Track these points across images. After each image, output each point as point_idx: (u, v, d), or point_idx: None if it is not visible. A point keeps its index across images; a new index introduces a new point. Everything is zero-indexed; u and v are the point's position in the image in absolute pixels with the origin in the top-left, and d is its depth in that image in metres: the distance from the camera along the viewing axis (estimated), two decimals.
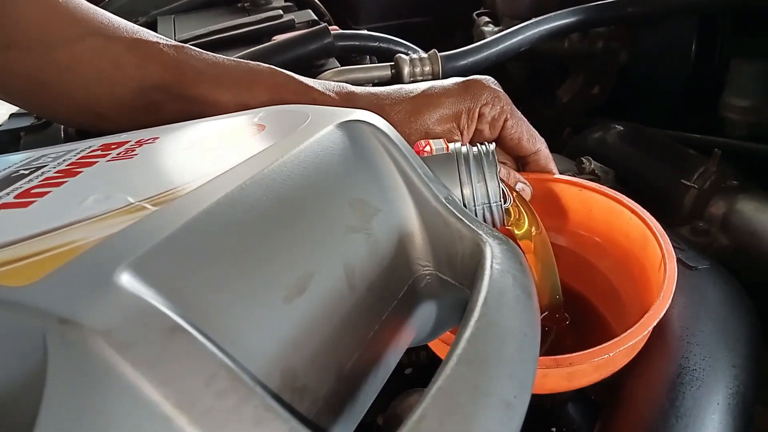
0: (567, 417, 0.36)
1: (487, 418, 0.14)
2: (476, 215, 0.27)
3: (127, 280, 0.13)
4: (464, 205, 0.27)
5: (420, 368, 0.41)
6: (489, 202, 0.27)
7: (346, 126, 0.22)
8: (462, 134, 0.39)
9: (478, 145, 0.28)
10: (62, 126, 0.57)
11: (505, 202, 0.28)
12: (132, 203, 0.18)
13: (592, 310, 0.39)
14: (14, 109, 0.64)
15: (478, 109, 0.38)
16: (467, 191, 0.27)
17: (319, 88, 0.39)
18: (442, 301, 0.23)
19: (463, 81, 0.39)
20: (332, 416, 0.17)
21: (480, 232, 0.20)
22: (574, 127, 0.72)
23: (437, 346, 0.33)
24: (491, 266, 0.18)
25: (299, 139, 0.21)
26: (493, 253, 0.19)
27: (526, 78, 0.85)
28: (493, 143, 0.28)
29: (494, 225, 0.28)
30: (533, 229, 0.34)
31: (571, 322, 0.38)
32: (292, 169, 0.19)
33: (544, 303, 0.37)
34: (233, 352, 0.14)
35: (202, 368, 0.12)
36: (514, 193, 0.34)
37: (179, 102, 0.38)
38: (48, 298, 0.13)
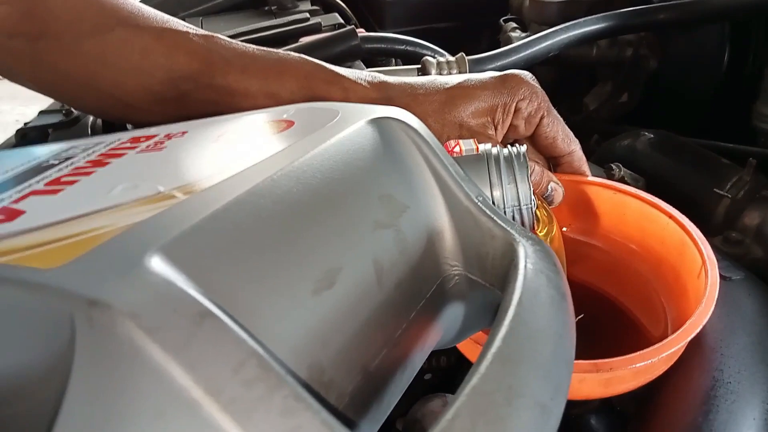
0: (592, 427, 0.35)
1: (521, 420, 0.13)
2: None
3: (157, 264, 0.13)
4: None
5: (440, 373, 0.40)
6: (519, 205, 0.26)
7: (377, 122, 0.22)
8: (496, 129, 0.38)
9: (509, 146, 0.27)
10: (89, 123, 0.57)
11: (534, 206, 0.28)
12: (161, 192, 0.18)
13: (623, 315, 0.38)
14: (43, 106, 0.65)
15: (514, 104, 0.37)
16: (497, 193, 0.26)
17: (350, 77, 0.39)
18: (470, 302, 0.22)
19: (501, 75, 0.38)
20: (357, 413, 0.17)
21: (513, 232, 0.20)
22: (602, 135, 0.71)
23: (466, 347, 0.32)
24: (525, 266, 0.18)
25: (329, 134, 0.21)
26: (527, 254, 0.18)
27: (553, 84, 0.84)
28: (525, 145, 0.28)
29: None
30: (552, 230, 0.33)
31: (598, 325, 0.37)
32: (322, 162, 0.19)
33: None
34: (262, 341, 0.14)
35: (232, 355, 0.12)
36: (538, 200, 0.33)
37: (208, 91, 0.38)
38: (77, 280, 0.13)
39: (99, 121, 0.57)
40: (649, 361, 0.27)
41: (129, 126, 0.52)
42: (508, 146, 0.27)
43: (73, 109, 0.58)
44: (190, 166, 0.21)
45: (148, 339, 0.11)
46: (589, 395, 0.30)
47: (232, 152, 0.22)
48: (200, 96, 0.38)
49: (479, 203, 0.21)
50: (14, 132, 0.59)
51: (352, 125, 0.21)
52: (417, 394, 0.37)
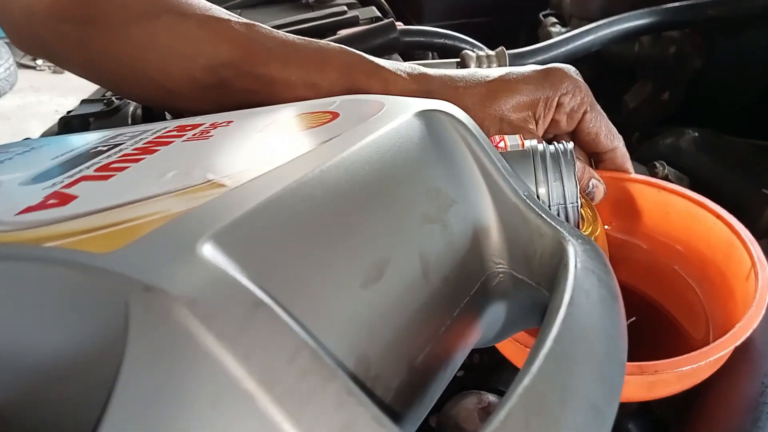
0: None
1: (575, 421, 0.13)
2: None
3: (210, 251, 0.13)
4: None
5: (472, 371, 0.40)
6: (565, 203, 0.26)
7: (425, 115, 0.22)
8: (537, 123, 0.37)
9: (555, 143, 0.27)
10: (130, 112, 0.58)
11: (579, 205, 0.27)
12: (212, 180, 0.18)
13: (668, 320, 0.37)
14: (85, 95, 0.67)
15: (557, 99, 0.36)
16: (542, 190, 0.26)
17: (391, 68, 0.38)
18: (513, 301, 0.22)
19: (543, 68, 0.37)
20: (401, 408, 0.17)
21: (562, 230, 0.19)
22: (642, 134, 0.69)
23: (505, 347, 0.32)
24: (575, 266, 0.17)
25: (377, 126, 0.21)
26: (577, 252, 0.18)
27: (592, 81, 0.82)
28: (571, 142, 0.27)
29: None
30: (597, 230, 0.32)
31: (644, 331, 0.36)
32: (371, 154, 0.19)
33: None
34: (314, 332, 0.14)
35: (286, 345, 0.12)
36: (582, 198, 0.32)
37: (249, 80, 0.38)
38: (132, 265, 0.13)
39: (139, 110, 0.58)
40: (696, 365, 0.26)
41: (168, 115, 0.53)
42: (554, 143, 0.27)
43: (114, 98, 0.60)
44: (237, 156, 0.21)
45: (202, 327, 0.11)
46: (631, 398, 0.30)
47: (279, 142, 0.22)
48: (241, 84, 0.38)
49: (527, 200, 0.20)
50: (57, 120, 0.60)
51: (400, 117, 0.21)
52: (450, 392, 0.37)
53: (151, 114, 0.56)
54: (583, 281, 0.17)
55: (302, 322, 0.13)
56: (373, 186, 0.18)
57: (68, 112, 0.60)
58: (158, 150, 0.24)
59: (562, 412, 0.13)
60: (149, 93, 0.42)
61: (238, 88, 0.39)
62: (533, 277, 0.20)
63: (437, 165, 0.20)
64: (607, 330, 0.15)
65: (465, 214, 0.20)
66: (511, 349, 0.31)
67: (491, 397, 0.36)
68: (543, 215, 0.20)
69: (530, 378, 0.13)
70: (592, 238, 0.32)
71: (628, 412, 0.35)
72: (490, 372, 0.39)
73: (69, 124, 0.58)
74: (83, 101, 0.63)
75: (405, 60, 0.59)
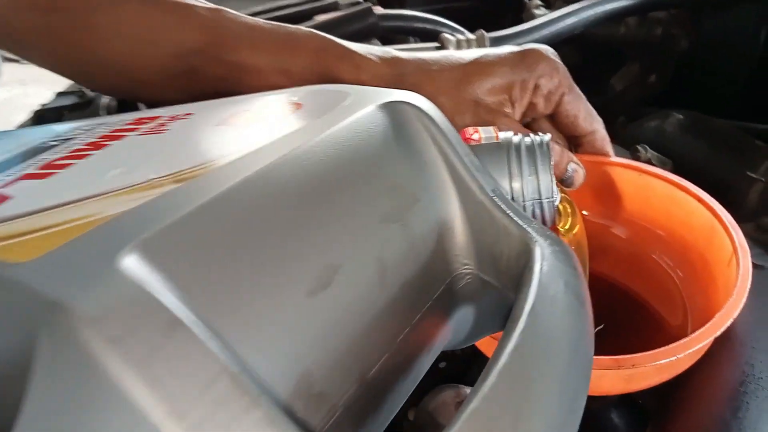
0: (612, 422, 0.34)
1: None
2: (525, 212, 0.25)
3: (130, 263, 0.12)
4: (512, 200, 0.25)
5: (456, 362, 0.39)
6: (540, 198, 0.25)
7: (389, 107, 0.21)
8: (514, 107, 0.36)
9: (532, 134, 0.26)
10: (104, 104, 0.57)
11: (557, 200, 0.26)
12: (153, 179, 0.17)
13: (644, 307, 0.36)
14: (60, 88, 0.65)
15: (533, 81, 0.35)
16: (517, 185, 0.24)
17: (362, 53, 0.37)
18: (482, 304, 0.21)
19: (519, 50, 0.36)
20: (351, 426, 0.16)
21: (529, 229, 0.18)
22: (628, 117, 0.67)
23: (483, 343, 0.31)
24: (541, 269, 0.16)
25: (336, 119, 0.19)
26: (544, 255, 0.17)
27: (577, 65, 0.81)
28: (549, 134, 0.26)
29: (543, 224, 0.26)
30: (575, 226, 0.31)
31: (618, 324, 0.35)
32: (326, 149, 0.18)
33: None
34: (243, 351, 0.12)
35: (202, 371, 0.11)
36: (560, 192, 0.31)
37: (218, 67, 0.37)
38: (43, 277, 0.12)
39: (114, 102, 0.57)
40: (675, 357, 0.25)
41: (142, 107, 0.51)
42: (531, 134, 0.26)
43: (88, 91, 0.58)
44: (188, 151, 0.20)
45: (108, 349, 0.10)
46: (609, 391, 0.29)
47: (235, 136, 0.21)
48: (210, 72, 0.37)
49: (495, 197, 0.19)
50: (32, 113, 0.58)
51: (362, 109, 0.20)
52: (430, 384, 0.36)
53: (126, 105, 0.55)
54: (548, 287, 0.15)
55: (230, 341, 0.12)
56: (328, 184, 0.17)
57: (43, 105, 0.59)
58: (108, 145, 0.22)
59: None
60: (118, 83, 0.41)
61: (208, 75, 0.37)
62: (500, 279, 0.19)
63: (400, 160, 0.19)
64: (572, 341, 0.14)
65: (429, 213, 0.19)
66: (486, 341, 0.31)
67: (469, 391, 0.35)
68: (510, 213, 0.19)
69: (480, 401, 0.12)
70: (571, 235, 0.31)
71: (611, 401, 0.34)
72: (471, 364, 0.39)
73: (43, 117, 0.57)
74: (59, 94, 0.62)
75: (383, 44, 0.57)
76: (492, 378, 0.13)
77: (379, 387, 0.17)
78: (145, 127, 0.24)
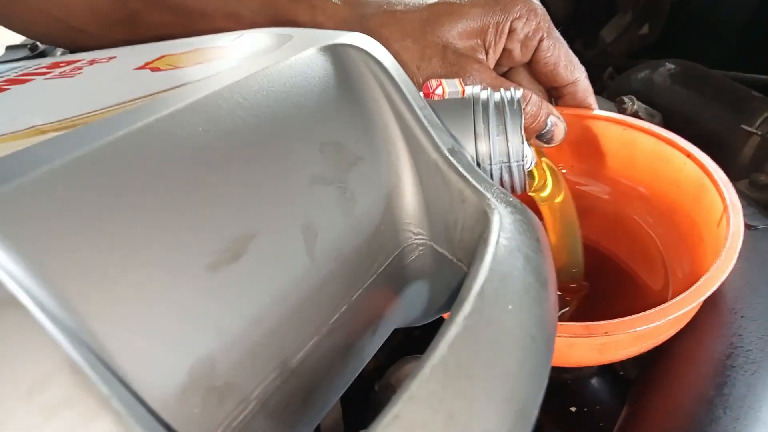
0: (589, 394, 0.31)
1: None
2: (492, 176, 0.22)
3: None
4: (478, 164, 0.22)
5: (431, 328, 0.37)
6: (509, 161, 0.22)
7: (331, 50, 0.18)
8: (487, 53, 0.32)
9: (502, 90, 0.23)
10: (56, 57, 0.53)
11: (528, 164, 0.23)
12: (37, 125, 0.14)
13: (627, 273, 0.34)
14: (10, 41, 0.61)
15: (509, 24, 0.32)
16: (483, 146, 0.22)
17: None
18: (437, 278, 0.18)
19: None
20: (271, 422, 0.13)
21: (487, 194, 0.15)
22: (618, 70, 0.64)
23: None
24: (497, 242, 0.13)
25: (266, 62, 0.16)
26: (502, 225, 0.14)
27: (567, 18, 0.77)
28: (520, 90, 0.23)
29: (513, 190, 0.23)
30: (558, 195, 0.29)
31: (598, 289, 0.33)
32: (246, 96, 0.15)
33: (561, 274, 0.32)
34: (106, 338, 0.10)
35: (32, 367, 0.08)
36: (542, 158, 0.28)
37: (161, 12, 0.33)
38: None
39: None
40: (653, 324, 0.22)
41: None
42: (501, 90, 0.23)
43: (38, 44, 0.54)
44: (89, 96, 0.17)
45: None
46: (580, 362, 0.26)
47: (147, 81, 0.18)
48: (153, 17, 0.33)
49: (450, 157, 0.16)
50: None
51: (298, 53, 0.17)
52: (394, 355, 0.34)
53: None
54: (504, 263, 0.13)
55: (88, 325, 0.10)
56: (244, 137, 0.14)
57: None
58: (8, 89, 0.19)
59: None
60: (54, 32, 0.37)
61: (150, 21, 0.34)
62: (454, 251, 0.16)
63: (339, 112, 0.16)
64: (527, 330, 0.12)
65: (373, 174, 0.16)
66: None
67: None
68: (467, 176, 0.16)
69: (406, 401, 0.10)
70: (555, 205, 0.28)
71: (590, 371, 0.32)
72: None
73: None
74: (8, 48, 0.58)
75: None
76: (423, 375, 0.10)
77: (308, 376, 0.14)
78: (57, 71, 0.21)
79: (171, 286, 0.11)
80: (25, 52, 0.54)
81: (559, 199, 0.31)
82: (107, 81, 0.19)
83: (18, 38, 0.63)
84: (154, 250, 0.11)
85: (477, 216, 0.15)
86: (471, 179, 0.16)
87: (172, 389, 0.11)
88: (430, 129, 0.17)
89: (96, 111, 0.15)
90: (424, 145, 0.17)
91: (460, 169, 0.16)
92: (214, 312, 0.12)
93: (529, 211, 0.16)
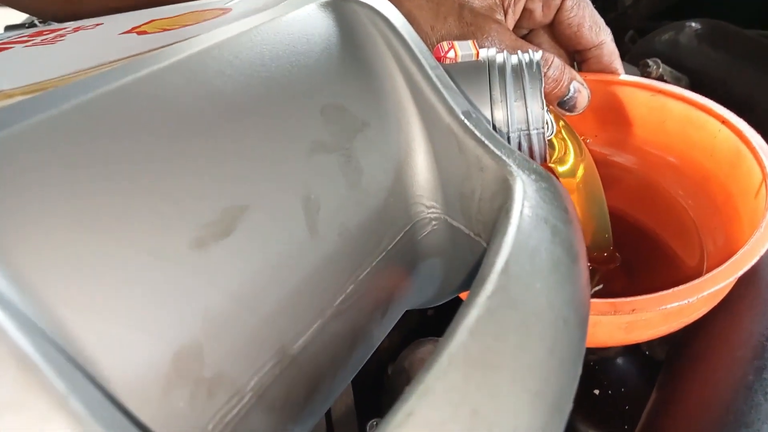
0: (614, 376, 0.30)
1: None
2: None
3: None
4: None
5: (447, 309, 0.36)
6: (528, 129, 0.20)
7: (334, 6, 0.16)
8: (506, 14, 0.31)
9: (520, 53, 0.21)
10: None
11: (550, 132, 0.21)
12: (1, 90, 0.13)
13: (658, 246, 0.32)
14: (9, 21, 0.60)
15: None
16: (500, 113, 0.20)
17: None
18: (453, 255, 0.17)
19: None
20: (269, 415, 0.12)
21: (509, 161, 0.14)
22: (639, 32, 0.61)
23: None
24: (521, 212, 0.12)
25: (261, 19, 0.15)
26: (526, 193, 0.13)
27: None
28: (540, 51, 0.21)
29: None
30: (580, 166, 0.27)
31: (627, 262, 0.31)
32: (239, 54, 0.13)
33: (588, 241, 0.30)
34: (69, 324, 0.08)
35: None
36: (561, 122, 0.27)
37: None
38: None
39: None
40: (685, 301, 0.21)
41: None
42: (519, 52, 0.21)
43: (36, 22, 0.53)
44: (66, 61, 0.15)
45: None
46: (605, 342, 0.25)
47: (132, 44, 0.16)
48: None
49: (466, 121, 0.15)
50: None
51: (298, 9, 0.15)
52: (409, 337, 0.33)
53: None
54: (530, 236, 0.11)
55: (55, 308, 0.08)
56: (235, 100, 0.12)
57: None
58: None
59: None
60: (48, 5, 0.35)
61: None
62: (471, 225, 0.15)
63: (343, 74, 0.15)
64: (559, 311, 0.10)
65: (380, 141, 0.15)
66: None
67: None
68: (485, 141, 0.14)
69: (420, 395, 0.08)
70: (577, 177, 0.27)
71: (615, 351, 0.30)
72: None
73: None
74: (7, 27, 0.57)
75: None
76: (441, 363, 0.09)
77: (311, 364, 0.13)
78: (38, 39, 0.19)
79: (149, 263, 0.10)
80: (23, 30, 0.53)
81: (581, 170, 0.29)
82: (89, 46, 0.17)
83: (19, 17, 0.62)
84: (129, 222, 0.10)
85: (497, 185, 0.14)
86: (490, 145, 0.14)
87: (153, 382, 0.09)
88: (443, 91, 0.15)
89: (70, 74, 0.13)
90: (437, 109, 0.15)
91: (477, 134, 0.14)
92: (200, 293, 0.10)
93: (555, 179, 0.14)
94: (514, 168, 0.13)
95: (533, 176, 0.13)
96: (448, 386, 0.08)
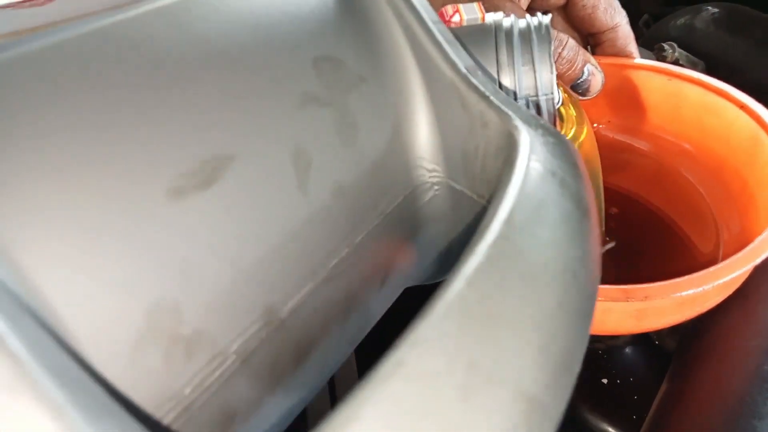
0: (623, 365, 0.29)
1: (488, 426, 0.07)
2: None
3: None
4: None
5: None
6: (536, 95, 0.19)
7: None
8: None
9: (528, 17, 0.20)
10: None
11: (557, 100, 0.20)
12: None
13: (672, 231, 0.31)
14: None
15: None
16: (507, 79, 0.19)
17: None
18: (456, 223, 0.16)
19: None
20: (254, 381, 0.11)
21: (514, 116, 0.13)
22: (654, 17, 0.59)
23: None
24: (527, 165, 0.11)
25: None
26: (532, 147, 0.12)
27: None
28: (548, 15, 0.20)
29: None
30: (581, 134, 0.26)
31: (638, 245, 0.30)
32: (225, 0, 0.12)
33: None
34: (33, 273, 0.08)
35: None
36: (564, 92, 0.26)
37: None
38: None
39: None
40: (700, 288, 0.20)
41: None
42: (527, 16, 0.20)
43: None
44: (47, 15, 0.14)
45: None
46: (615, 330, 0.24)
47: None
48: None
49: (468, 75, 0.14)
50: None
51: None
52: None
53: None
54: (536, 187, 0.10)
55: (14, 257, 0.07)
56: (218, 44, 0.12)
57: None
58: None
59: (463, 411, 0.07)
60: None
61: None
62: (474, 187, 0.14)
63: (338, 25, 0.14)
64: (567, 264, 0.09)
65: (378, 98, 0.14)
66: None
67: None
68: (489, 95, 0.13)
69: (411, 345, 0.07)
70: (576, 144, 0.26)
71: (624, 340, 0.29)
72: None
73: None
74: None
75: None
76: (435, 313, 0.08)
77: (301, 329, 0.12)
78: (29, 3, 0.19)
79: (118, 213, 0.09)
80: None
81: (581, 139, 0.28)
82: (80, 3, 0.16)
83: None
84: (99, 168, 0.09)
85: (502, 140, 0.13)
86: (494, 99, 0.13)
87: (121, 336, 0.09)
88: (445, 45, 0.14)
89: (48, 23, 0.12)
90: (439, 64, 0.14)
91: (481, 88, 0.14)
92: (177, 245, 0.10)
93: (563, 135, 0.13)
94: (519, 122, 0.13)
95: (540, 131, 0.12)
96: (443, 335, 0.07)
